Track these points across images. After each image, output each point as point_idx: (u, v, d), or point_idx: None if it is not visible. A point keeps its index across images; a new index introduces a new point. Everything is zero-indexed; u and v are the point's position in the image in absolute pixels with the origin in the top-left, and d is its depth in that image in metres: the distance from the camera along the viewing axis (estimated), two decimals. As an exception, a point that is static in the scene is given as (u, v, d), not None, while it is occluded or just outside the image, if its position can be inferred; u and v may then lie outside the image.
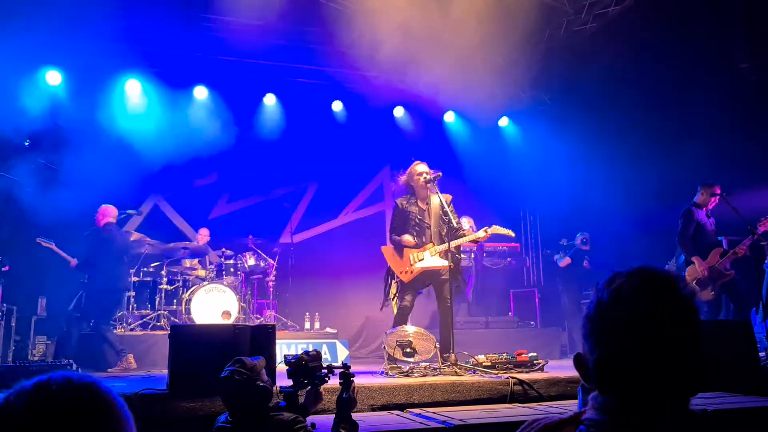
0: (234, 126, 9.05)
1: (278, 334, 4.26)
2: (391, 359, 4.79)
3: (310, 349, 2.89)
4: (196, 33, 8.31)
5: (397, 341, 4.81)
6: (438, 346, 4.92)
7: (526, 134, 10.33)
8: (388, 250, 5.42)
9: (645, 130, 8.22)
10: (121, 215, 7.36)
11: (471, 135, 10.27)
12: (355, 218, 10.26)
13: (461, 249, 5.50)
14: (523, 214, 10.89)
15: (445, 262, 5.06)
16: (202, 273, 7.87)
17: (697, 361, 1.03)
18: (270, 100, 9.55)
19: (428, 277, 5.28)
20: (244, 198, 9.71)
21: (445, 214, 5.13)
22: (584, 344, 1.11)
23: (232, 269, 7.86)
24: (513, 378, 4.21)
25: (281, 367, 3.12)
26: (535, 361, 4.91)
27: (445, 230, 5.16)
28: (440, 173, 5.28)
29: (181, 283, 7.67)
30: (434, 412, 3.61)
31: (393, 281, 5.37)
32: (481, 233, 5.18)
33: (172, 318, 7.50)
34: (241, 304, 7.49)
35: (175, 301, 7.56)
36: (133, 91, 8.74)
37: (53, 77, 8.22)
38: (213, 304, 7.16)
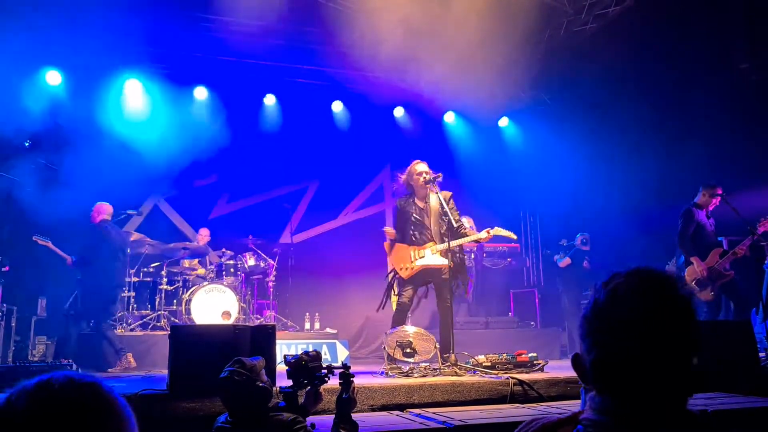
0: (234, 126, 9.06)
1: (278, 334, 4.26)
2: (391, 359, 4.79)
3: (310, 349, 2.89)
4: (196, 33, 8.31)
5: (397, 341, 4.81)
6: (438, 346, 4.92)
7: (526, 134, 10.34)
8: (389, 245, 5.43)
9: (645, 130, 8.22)
10: (121, 215, 7.37)
11: (471, 135, 10.28)
12: (355, 218, 10.26)
13: (462, 249, 5.49)
14: (523, 214, 10.89)
15: (445, 261, 5.07)
16: (202, 273, 7.88)
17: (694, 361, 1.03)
18: (270, 100, 9.57)
19: (428, 275, 5.28)
20: (244, 198, 9.71)
21: (445, 214, 5.14)
22: (581, 344, 1.12)
23: (232, 269, 7.86)
24: (513, 378, 4.21)
25: (281, 368, 3.12)
26: (535, 362, 4.91)
27: (444, 228, 5.16)
28: (440, 175, 5.28)
29: (181, 284, 7.67)
30: (434, 413, 3.61)
31: (394, 277, 5.39)
32: (484, 234, 5.18)
33: (172, 318, 7.50)
34: (241, 304, 7.49)
35: (175, 301, 7.57)
36: (133, 92, 8.74)
37: (53, 77, 8.22)
38: (213, 305, 7.16)
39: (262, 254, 8.22)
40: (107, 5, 6.79)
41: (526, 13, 7.28)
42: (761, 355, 4.95)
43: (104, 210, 6.80)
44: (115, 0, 6.91)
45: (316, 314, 8.08)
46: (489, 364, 4.77)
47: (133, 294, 7.49)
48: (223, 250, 8.02)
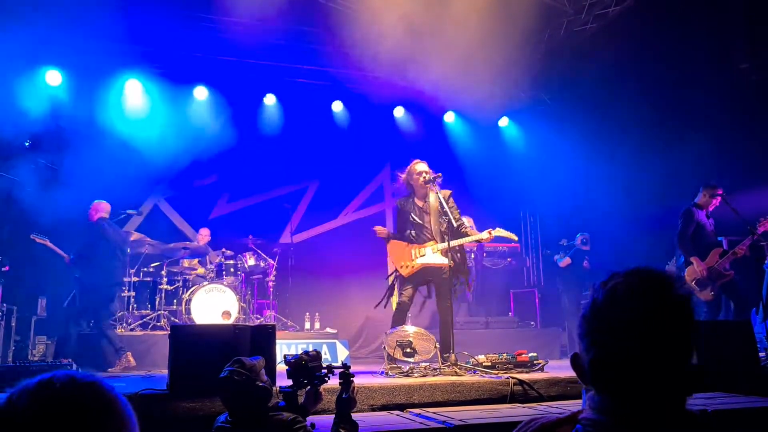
0: (234, 126, 9.06)
1: (278, 334, 4.26)
2: (391, 359, 4.79)
3: (310, 349, 2.89)
4: (196, 33, 8.31)
5: (397, 341, 4.81)
6: (438, 346, 4.92)
7: (526, 134, 10.34)
8: (391, 243, 5.43)
9: (645, 129, 8.22)
10: (121, 215, 7.36)
11: (471, 135, 10.28)
12: (355, 218, 10.26)
13: (463, 248, 5.49)
14: (523, 214, 10.89)
15: (446, 260, 5.07)
16: (202, 272, 7.88)
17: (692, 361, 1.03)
18: (270, 100, 9.56)
19: (428, 273, 5.28)
20: (244, 198, 9.71)
21: (445, 213, 5.15)
22: (580, 344, 1.12)
23: (232, 269, 7.86)
24: (513, 378, 4.21)
25: (281, 367, 3.12)
26: (535, 362, 4.91)
27: (444, 226, 5.17)
28: (440, 174, 5.28)
29: (181, 283, 7.67)
30: (434, 413, 3.61)
31: (395, 278, 5.39)
32: (485, 234, 5.17)
33: (172, 318, 7.51)
34: (241, 304, 7.49)
35: (175, 301, 7.57)
36: (134, 92, 8.73)
37: (53, 77, 8.21)
38: (213, 304, 7.16)
39: (262, 254, 8.22)
40: (107, 5, 6.79)
41: (526, 13, 7.28)
42: (761, 355, 4.95)
43: (102, 208, 6.80)
44: (116, 0, 6.93)
45: (316, 314, 8.08)
46: (489, 363, 4.78)
47: (133, 294, 7.49)
48: (223, 249, 8.02)
